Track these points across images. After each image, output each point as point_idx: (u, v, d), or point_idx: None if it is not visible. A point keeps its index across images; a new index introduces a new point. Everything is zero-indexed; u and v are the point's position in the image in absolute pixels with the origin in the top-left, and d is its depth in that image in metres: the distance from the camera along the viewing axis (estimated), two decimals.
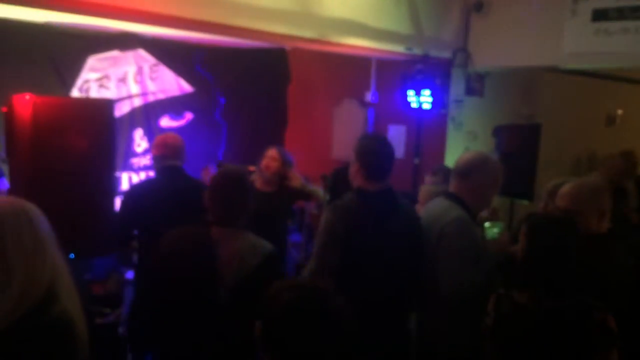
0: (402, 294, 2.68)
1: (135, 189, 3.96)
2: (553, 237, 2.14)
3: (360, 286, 2.50)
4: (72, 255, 2.72)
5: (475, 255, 2.54)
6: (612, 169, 4.72)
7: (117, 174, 5.25)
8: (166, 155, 3.59)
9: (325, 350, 1.49)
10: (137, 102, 5.47)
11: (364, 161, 2.65)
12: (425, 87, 5.16)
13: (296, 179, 4.26)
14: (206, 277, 2.31)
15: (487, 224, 2.94)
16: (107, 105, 2.84)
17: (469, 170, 2.68)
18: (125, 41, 5.27)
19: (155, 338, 2.55)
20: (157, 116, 5.62)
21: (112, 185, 2.88)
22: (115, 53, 5.26)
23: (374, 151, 2.68)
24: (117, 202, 3.49)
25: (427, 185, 3.57)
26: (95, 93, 5.15)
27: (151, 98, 5.56)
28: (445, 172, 4.28)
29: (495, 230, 2.88)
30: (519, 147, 5.19)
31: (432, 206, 2.80)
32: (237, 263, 2.33)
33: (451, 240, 2.53)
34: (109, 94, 5.21)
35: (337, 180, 5.00)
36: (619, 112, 7.21)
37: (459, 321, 2.59)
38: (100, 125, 2.74)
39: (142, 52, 5.42)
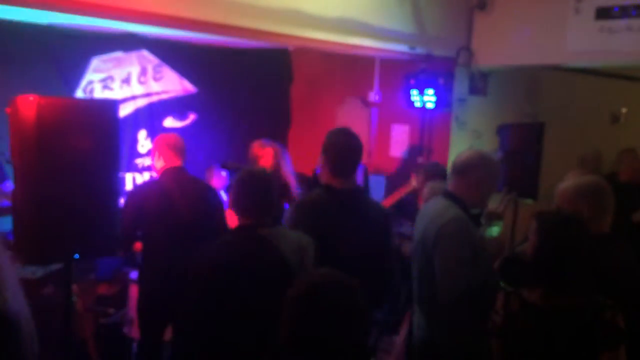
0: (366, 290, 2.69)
1: (138, 189, 3.96)
2: (564, 236, 2.13)
3: None
4: (76, 256, 2.74)
5: (473, 255, 2.52)
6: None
7: (121, 174, 5.26)
8: (169, 156, 3.58)
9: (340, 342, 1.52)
10: (141, 102, 5.49)
11: (329, 156, 2.64)
12: (428, 87, 5.16)
13: None
14: (280, 278, 2.22)
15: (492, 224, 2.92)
16: (111, 105, 2.84)
17: (467, 167, 2.68)
18: (129, 42, 5.28)
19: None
20: (161, 117, 5.63)
21: (116, 186, 2.88)
22: (118, 54, 5.27)
23: (338, 146, 2.66)
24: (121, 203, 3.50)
25: (433, 183, 3.56)
26: (99, 94, 5.17)
27: (155, 99, 5.57)
28: (441, 172, 4.31)
29: (495, 229, 2.86)
30: (522, 146, 5.17)
31: (429, 206, 2.79)
32: (298, 258, 2.32)
33: (448, 240, 2.51)
34: (112, 94, 5.23)
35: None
36: (624, 110, 7.17)
37: (457, 322, 2.59)
38: (104, 126, 2.74)
39: (145, 53, 5.44)
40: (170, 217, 3.42)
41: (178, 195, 3.45)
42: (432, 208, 2.72)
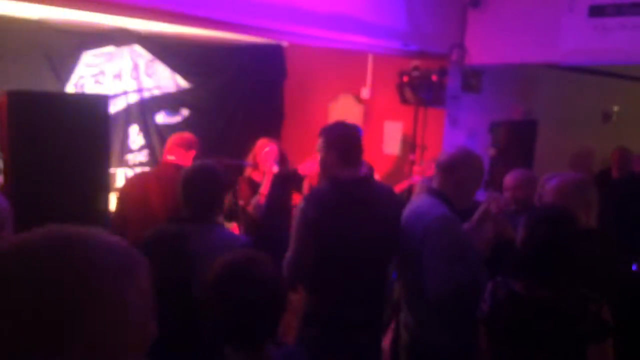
0: (379, 283, 2.71)
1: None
2: (551, 231, 2.14)
3: (337, 275, 2.53)
4: None
5: (461, 253, 2.52)
6: None
7: (112, 170, 5.23)
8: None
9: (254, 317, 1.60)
10: (133, 98, 5.45)
11: (339, 147, 2.65)
12: (421, 83, 5.15)
13: None
14: (182, 276, 2.30)
15: None
16: (102, 100, 2.82)
17: (453, 165, 2.68)
18: (121, 37, 5.24)
19: None
20: (153, 112, 5.60)
21: (107, 181, 2.86)
22: (110, 49, 5.24)
23: (347, 137, 2.69)
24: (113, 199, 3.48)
25: (426, 181, 3.56)
26: (90, 89, 5.13)
27: (147, 94, 5.54)
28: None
29: None
30: (515, 143, 5.20)
31: (415, 203, 2.78)
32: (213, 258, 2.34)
33: (435, 238, 2.50)
34: (104, 89, 5.19)
35: None
36: (615, 108, 7.21)
37: (444, 319, 2.59)
38: (95, 121, 2.72)
39: (137, 48, 5.40)
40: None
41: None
42: (418, 206, 2.71)
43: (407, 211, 2.77)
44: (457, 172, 2.65)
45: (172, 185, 3.54)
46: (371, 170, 5.09)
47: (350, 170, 2.64)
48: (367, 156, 5.70)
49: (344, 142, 2.67)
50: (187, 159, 3.58)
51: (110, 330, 0.85)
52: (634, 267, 3.22)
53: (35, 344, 0.79)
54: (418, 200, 2.79)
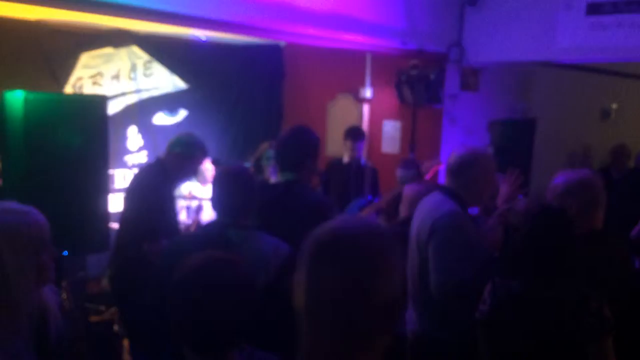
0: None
1: None
2: (548, 230, 2.14)
3: None
4: (65, 252, 2.72)
5: (468, 249, 2.51)
6: None
7: (111, 171, 5.23)
8: None
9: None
10: (131, 99, 5.45)
11: (275, 153, 2.72)
12: (420, 82, 5.15)
13: None
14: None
15: None
16: (100, 101, 2.82)
17: (461, 168, 2.67)
18: (119, 38, 5.24)
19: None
20: (152, 113, 5.60)
21: (105, 182, 2.86)
22: (108, 50, 5.24)
23: (277, 141, 2.76)
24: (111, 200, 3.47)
25: (412, 186, 3.53)
26: (88, 90, 5.13)
27: (145, 95, 5.54)
28: (417, 166, 4.33)
29: None
30: (513, 142, 5.19)
31: (426, 201, 2.79)
32: (263, 266, 2.25)
33: (442, 233, 2.51)
34: (102, 90, 5.19)
35: (330, 175, 5.00)
36: (614, 106, 7.22)
37: (447, 317, 2.59)
38: (93, 122, 2.72)
39: (135, 49, 5.40)
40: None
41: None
42: (428, 203, 2.72)
43: (419, 207, 2.77)
44: (466, 174, 2.65)
45: None
46: (375, 172, 5.08)
47: (284, 175, 2.68)
48: (367, 155, 5.73)
49: (277, 147, 2.74)
50: None
51: None
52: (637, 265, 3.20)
53: None
54: (428, 198, 2.79)
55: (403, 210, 3.43)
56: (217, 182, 2.43)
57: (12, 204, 1.69)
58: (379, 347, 1.12)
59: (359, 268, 1.10)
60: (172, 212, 3.83)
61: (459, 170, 2.67)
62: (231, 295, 1.56)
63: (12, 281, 1.60)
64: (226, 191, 2.38)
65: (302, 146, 2.76)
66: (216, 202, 2.40)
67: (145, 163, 4.90)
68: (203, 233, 2.47)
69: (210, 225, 2.44)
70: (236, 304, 1.56)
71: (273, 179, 4.21)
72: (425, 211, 2.67)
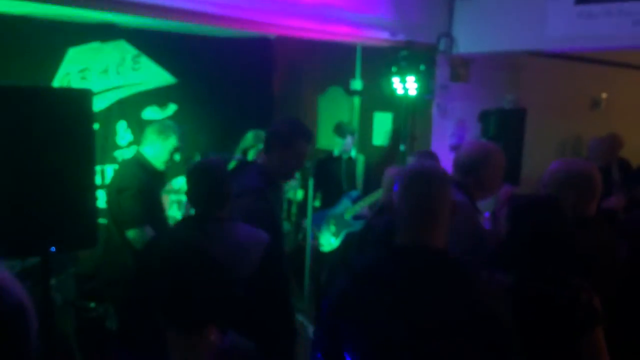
0: None
1: None
2: (536, 220, 2.13)
3: None
4: (52, 249, 2.69)
5: (473, 240, 2.49)
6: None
7: (100, 166, 5.19)
8: None
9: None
10: (120, 93, 5.41)
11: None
12: (410, 74, 5.14)
13: None
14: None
15: None
16: (85, 95, 2.78)
17: (473, 166, 2.65)
18: (107, 32, 5.19)
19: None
20: (141, 108, 5.56)
21: (92, 178, 2.83)
22: (96, 44, 5.19)
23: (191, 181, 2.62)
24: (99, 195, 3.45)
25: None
26: (76, 85, 5.08)
27: (134, 89, 5.50)
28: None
29: None
30: (504, 132, 5.20)
31: None
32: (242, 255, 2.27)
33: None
34: (90, 85, 5.14)
35: (320, 170, 4.99)
36: (604, 95, 7.23)
37: None
38: (78, 116, 2.68)
39: (123, 43, 5.35)
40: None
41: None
42: None
43: None
44: (476, 172, 2.64)
45: None
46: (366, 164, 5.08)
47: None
48: (358, 147, 5.71)
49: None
50: None
51: None
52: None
53: None
54: None
55: None
56: (189, 177, 2.46)
57: None
58: (446, 220, 1.85)
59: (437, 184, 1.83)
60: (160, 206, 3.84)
61: (471, 166, 2.65)
62: (204, 274, 1.66)
63: None
64: (199, 185, 2.42)
65: (280, 129, 2.85)
66: (190, 196, 2.42)
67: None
68: (182, 227, 2.48)
69: (188, 219, 2.45)
70: (206, 282, 1.65)
71: None
72: None
